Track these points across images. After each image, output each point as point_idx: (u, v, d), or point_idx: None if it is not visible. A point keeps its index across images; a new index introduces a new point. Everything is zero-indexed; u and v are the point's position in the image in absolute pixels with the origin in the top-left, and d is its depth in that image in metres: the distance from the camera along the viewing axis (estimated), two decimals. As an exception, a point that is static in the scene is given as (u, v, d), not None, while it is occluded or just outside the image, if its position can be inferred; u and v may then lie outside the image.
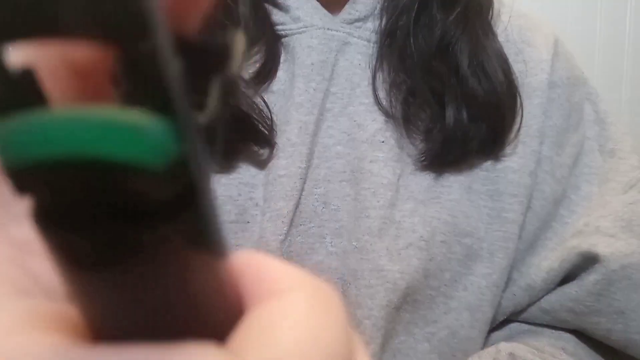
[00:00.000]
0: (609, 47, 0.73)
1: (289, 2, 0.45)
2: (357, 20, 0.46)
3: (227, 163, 0.44)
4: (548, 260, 0.47)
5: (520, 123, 0.46)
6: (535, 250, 0.48)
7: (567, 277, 0.47)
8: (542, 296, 0.48)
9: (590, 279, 0.45)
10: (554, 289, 0.47)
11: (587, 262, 0.45)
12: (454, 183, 0.45)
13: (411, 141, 0.45)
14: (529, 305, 0.48)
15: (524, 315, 0.48)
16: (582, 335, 0.47)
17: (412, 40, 0.44)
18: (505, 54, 0.46)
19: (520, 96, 0.46)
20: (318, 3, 0.45)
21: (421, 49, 0.44)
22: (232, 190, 0.43)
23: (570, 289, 0.46)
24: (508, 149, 0.46)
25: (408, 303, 0.44)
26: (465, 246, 0.45)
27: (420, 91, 0.44)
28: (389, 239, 0.43)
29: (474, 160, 0.46)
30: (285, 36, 0.45)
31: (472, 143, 0.44)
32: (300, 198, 0.43)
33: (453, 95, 0.44)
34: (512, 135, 0.46)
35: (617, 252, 0.44)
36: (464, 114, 0.44)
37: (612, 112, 0.51)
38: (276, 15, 0.45)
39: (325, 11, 0.45)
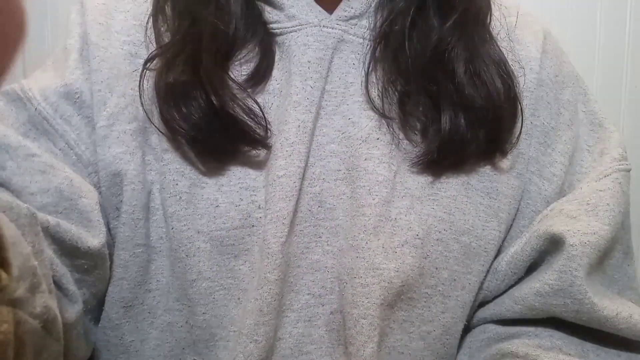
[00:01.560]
0: (609, 47, 0.73)
1: None
2: (353, 17, 0.45)
3: (222, 165, 0.43)
4: (515, 246, 0.47)
5: (521, 129, 0.45)
6: (515, 242, 0.47)
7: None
8: (509, 283, 0.47)
9: (553, 259, 0.44)
10: (525, 277, 0.47)
11: (554, 246, 0.44)
12: (452, 179, 0.45)
13: (407, 137, 0.44)
14: (497, 292, 0.48)
15: (498, 309, 0.47)
16: (567, 328, 0.45)
17: (407, 45, 0.44)
18: (505, 59, 0.45)
19: (520, 103, 0.45)
20: (312, 0, 0.45)
21: (416, 53, 0.44)
22: (233, 196, 0.43)
23: (538, 272, 0.45)
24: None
25: (403, 301, 0.44)
26: (464, 244, 0.45)
27: (415, 94, 0.44)
28: (384, 236, 0.43)
29: (472, 163, 0.45)
30: (280, 34, 0.45)
31: (469, 148, 0.44)
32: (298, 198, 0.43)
33: (449, 101, 0.43)
34: (514, 140, 0.45)
35: (575, 230, 0.43)
36: (461, 120, 0.43)
37: (605, 112, 0.50)
38: (270, 14, 0.45)
39: (320, 8, 0.45)
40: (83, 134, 0.43)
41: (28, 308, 0.28)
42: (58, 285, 0.39)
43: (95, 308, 0.45)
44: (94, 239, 0.41)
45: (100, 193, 0.43)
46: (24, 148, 0.40)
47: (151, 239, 0.44)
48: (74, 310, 0.39)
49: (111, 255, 0.44)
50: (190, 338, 0.44)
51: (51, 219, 0.39)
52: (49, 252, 0.38)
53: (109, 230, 0.44)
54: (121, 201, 0.43)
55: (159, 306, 0.45)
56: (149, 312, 0.45)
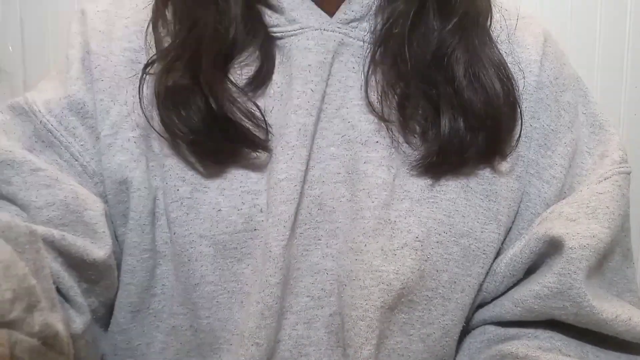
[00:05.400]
0: (609, 47, 0.73)
1: (283, 3, 0.45)
2: (353, 20, 0.45)
3: (223, 169, 0.44)
4: (514, 248, 0.47)
5: (520, 132, 0.46)
6: (514, 244, 0.47)
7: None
8: (508, 285, 0.47)
9: (552, 262, 0.44)
10: (524, 279, 0.47)
11: (553, 248, 0.44)
12: (451, 182, 0.45)
13: (407, 141, 0.45)
14: (495, 293, 0.48)
15: (498, 311, 0.47)
16: (566, 329, 0.45)
17: (406, 48, 0.44)
18: (505, 62, 0.45)
19: (519, 106, 0.45)
20: (313, 3, 0.45)
21: (416, 56, 0.44)
22: (235, 200, 0.43)
23: (537, 274, 0.45)
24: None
25: (403, 304, 0.44)
26: (463, 247, 0.45)
27: (415, 97, 0.44)
28: (383, 239, 0.43)
29: (472, 166, 0.45)
30: (281, 38, 0.45)
31: (469, 151, 0.44)
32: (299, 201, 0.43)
33: (448, 104, 0.43)
34: (513, 143, 0.46)
35: (574, 233, 0.43)
36: (461, 123, 0.43)
37: (605, 112, 0.50)
38: (271, 17, 0.45)
39: (321, 11, 0.45)
40: (88, 144, 0.44)
41: (25, 328, 0.29)
42: (66, 297, 0.40)
43: (104, 315, 0.45)
44: (99, 250, 0.41)
45: (106, 202, 0.44)
46: (29, 163, 0.41)
47: (156, 243, 0.44)
48: (81, 321, 0.40)
49: (119, 262, 0.44)
50: (194, 341, 0.45)
51: (56, 233, 0.39)
52: (55, 265, 0.39)
53: (116, 237, 0.45)
54: (128, 208, 0.44)
55: (164, 310, 0.45)
56: (155, 316, 0.45)
